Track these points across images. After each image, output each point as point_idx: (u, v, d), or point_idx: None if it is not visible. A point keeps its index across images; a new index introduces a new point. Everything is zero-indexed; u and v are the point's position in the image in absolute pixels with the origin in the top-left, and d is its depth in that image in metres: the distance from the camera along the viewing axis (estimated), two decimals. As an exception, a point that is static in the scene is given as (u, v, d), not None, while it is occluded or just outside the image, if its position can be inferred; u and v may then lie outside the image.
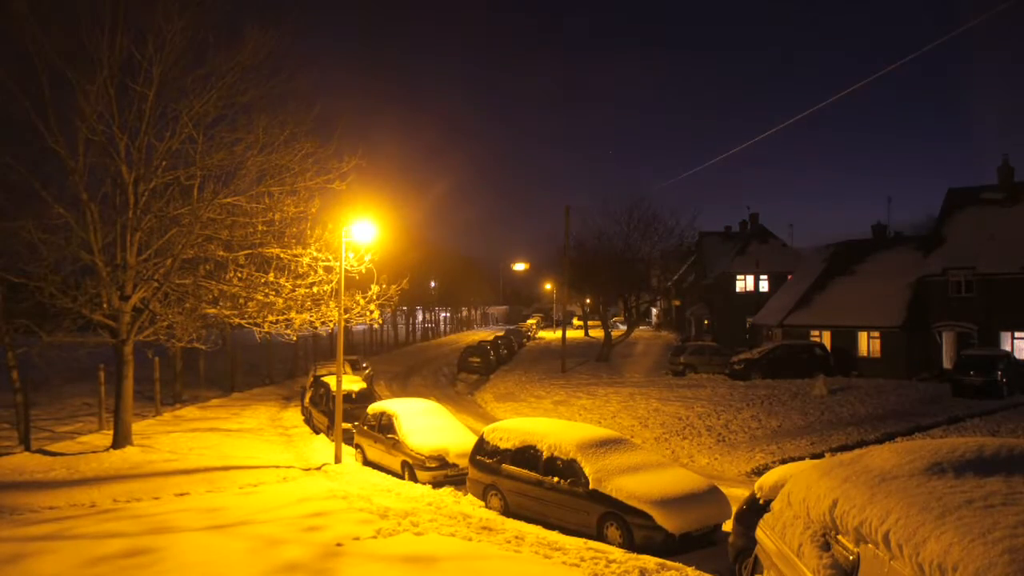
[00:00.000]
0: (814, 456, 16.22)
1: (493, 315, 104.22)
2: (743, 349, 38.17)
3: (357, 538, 9.77)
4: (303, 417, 22.52)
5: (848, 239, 41.76)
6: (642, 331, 64.59)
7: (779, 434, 19.81)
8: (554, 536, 10.55)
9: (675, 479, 11.45)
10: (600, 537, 10.86)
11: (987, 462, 4.93)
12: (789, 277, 45.66)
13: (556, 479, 11.76)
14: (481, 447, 13.43)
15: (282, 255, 16.22)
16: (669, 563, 9.24)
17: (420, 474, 14.62)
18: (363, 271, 16.53)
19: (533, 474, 12.15)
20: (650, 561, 9.23)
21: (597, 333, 55.38)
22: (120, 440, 16.31)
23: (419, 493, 13.30)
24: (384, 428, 15.95)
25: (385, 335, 52.87)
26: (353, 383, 21.16)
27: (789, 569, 5.77)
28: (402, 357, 46.84)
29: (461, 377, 36.25)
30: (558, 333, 44.29)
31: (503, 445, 12.92)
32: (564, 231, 42.07)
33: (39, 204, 14.82)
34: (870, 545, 4.66)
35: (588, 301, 53.44)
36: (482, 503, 12.98)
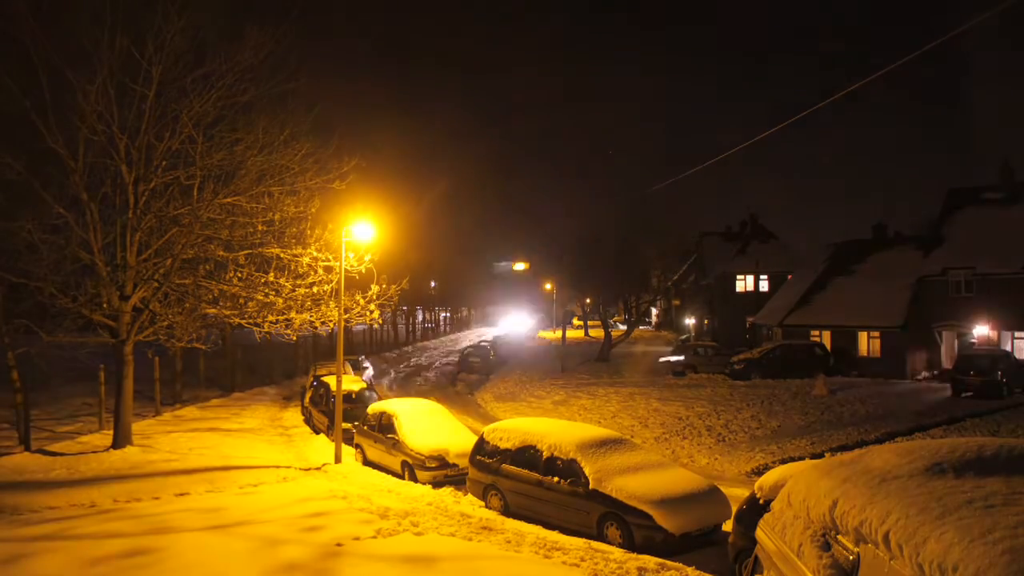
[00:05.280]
0: (814, 456, 16.22)
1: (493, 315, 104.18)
2: (743, 349, 38.18)
3: (357, 538, 9.77)
4: (303, 417, 22.53)
5: (848, 239, 41.77)
6: (642, 331, 64.63)
7: (779, 434, 19.81)
8: (554, 536, 10.54)
9: (675, 479, 11.44)
10: (600, 537, 10.86)
11: (987, 462, 4.93)
12: (789, 277, 45.67)
13: (556, 479, 11.75)
14: (481, 447, 13.43)
15: (282, 255, 16.22)
16: (669, 563, 9.24)
17: (420, 474, 14.61)
18: (363, 271, 16.53)
19: (533, 474, 12.15)
20: (650, 561, 9.23)
21: (597, 333, 55.38)
22: (120, 440, 16.30)
23: (419, 493, 13.30)
24: (384, 428, 15.95)
25: (385, 335, 52.88)
26: (353, 383, 21.17)
27: (789, 569, 5.77)
28: (402, 357, 46.84)
29: (461, 377, 36.26)
30: (558, 333, 44.29)
31: (503, 445, 12.92)
32: (565, 231, 42.11)
33: (39, 204, 14.81)
34: (870, 545, 4.66)
35: (588, 301, 53.44)
36: (482, 503, 12.98)
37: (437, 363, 43.43)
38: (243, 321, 16.50)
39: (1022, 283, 29.44)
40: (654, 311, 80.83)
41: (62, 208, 14.82)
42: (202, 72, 15.35)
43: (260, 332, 16.70)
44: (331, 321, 16.98)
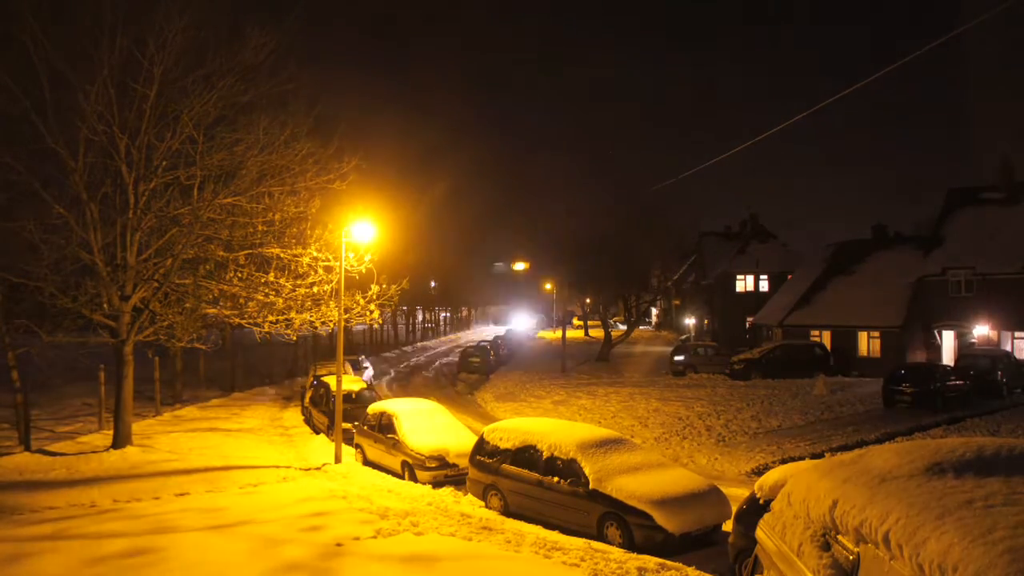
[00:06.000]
0: (814, 456, 16.22)
1: (493, 315, 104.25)
2: (743, 349, 38.19)
3: (357, 538, 9.77)
4: (303, 417, 22.52)
5: (848, 239, 41.79)
6: (642, 331, 64.66)
7: (779, 434, 19.81)
8: (554, 536, 10.55)
9: (675, 479, 11.45)
10: (600, 537, 10.86)
11: (987, 462, 4.93)
12: (789, 277, 45.68)
13: (556, 479, 11.75)
14: (481, 447, 13.43)
15: (282, 255, 16.22)
16: (669, 563, 9.24)
17: (420, 474, 14.61)
18: (363, 271, 16.53)
19: (533, 474, 12.15)
20: (650, 561, 9.23)
21: (597, 333, 55.39)
22: (120, 440, 16.30)
23: (419, 493, 13.30)
24: (384, 428, 15.95)
25: (385, 335, 52.89)
26: (353, 383, 21.17)
27: (789, 569, 5.78)
28: (402, 357, 46.83)
29: (461, 377, 36.24)
30: (558, 333, 44.30)
31: (503, 445, 12.92)
32: (565, 231, 42.11)
33: (39, 204, 14.82)
34: (870, 545, 4.66)
35: (588, 301, 53.46)
36: (482, 503, 12.98)
37: (437, 363, 43.42)
38: (243, 321, 16.50)
39: (1022, 283, 29.45)
40: (654, 311, 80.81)
41: (62, 208, 14.81)
42: (203, 72, 15.35)
43: (260, 332, 16.70)
44: (331, 321, 16.98)
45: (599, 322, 51.59)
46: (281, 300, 16.14)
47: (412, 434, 15.22)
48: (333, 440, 16.59)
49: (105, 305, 15.68)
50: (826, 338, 35.65)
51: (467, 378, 35.76)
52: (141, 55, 14.61)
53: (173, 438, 18.27)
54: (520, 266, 57.74)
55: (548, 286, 51.36)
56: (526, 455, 12.43)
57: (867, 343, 34.91)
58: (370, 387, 22.51)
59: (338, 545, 9.44)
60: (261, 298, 16.02)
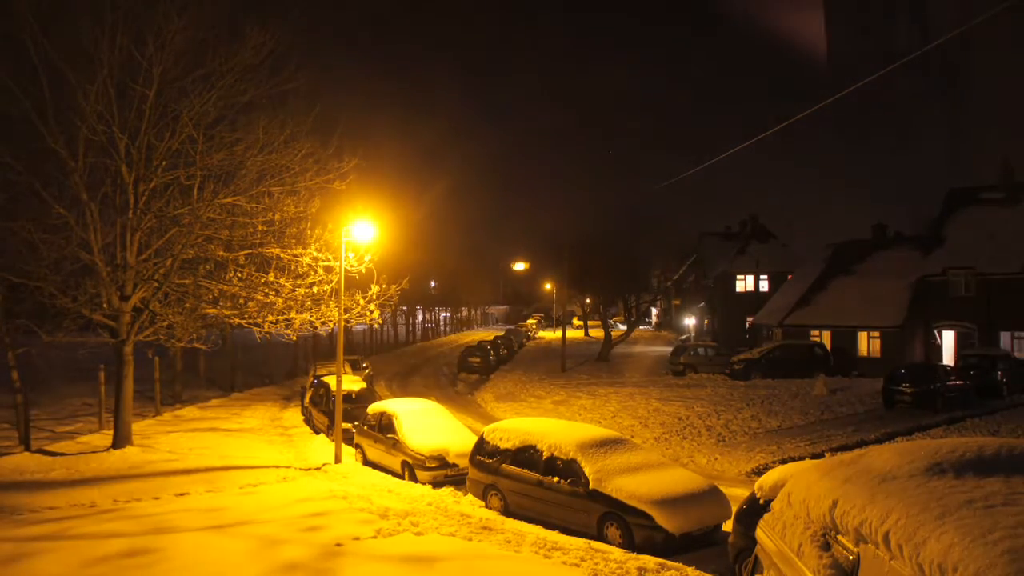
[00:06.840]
0: (814, 456, 16.22)
1: (493, 315, 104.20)
2: (743, 349, 38.18)
3: (357, 538, 9.77)
4: (303, 417, 22.52)
5: (848, 239, 41.76)
6: (642, 331, 64.68)
7: (779, 434, 19.80)
8: (554, 536, 10.54)
9: (675, 479, 11.44)
10: (600, 537, 10.86)
11: (987, 462, 4.93)
12: (789, 277, 45.68)
13: (556, 479, 11.75)
14: (481, 447, 13.43)
15: (282, 255, 16.22)
16: (669, 563, 9.24)
17: (420, 474, 14.61)
18: (363, 271, 16.52)
19: (533, 474, 12.14)
20: (650, 561, 9.23)
21: (597, 333, 55.39)
22: (120, 440, 16.30)
23: (419, 493, 13.30)
24: (384, 428, 15.95)
25: (385, 335, 52.85)
26: (353, 383, 21.15)
27: (789, 569, 5.78)
28: (402, 357, 46.82)
29: (461, 377, 36.22)
30: (558, 333, 44.29)
31: (503, 445, 12.91)
32: (565, 230, 42.11)
33: (39, 204, 14.81)
34: (870, 545, 4.66)
35: (588, 301, 53.48)
36: (482, 503, 12.98)
37: (437, 363, 43.41)
38: (243, 321, 16.50)
39: (1022, 283, 29.45)
40: (654, 311, 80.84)
41: (62, 208, 14.81)
42: (202, 72, 15.35)
43: (260, 332, 16.69)
44: (331, 321, 16.98)
45: (599, 322, 51.60)
46: (281, 300, 16.14)
47: (412, 434, 15.22)
48: (333, 440, 16.59)
49: (105, 305, 15.68)
50: (826, 338, 35.63)
51: (467, 378, 35.74)
52: (140, 55, 14.60)
53: (173, 438, 18.27)
54: (520, 266, 57.80)
55: (548, 286, 51.36)
56: (526, 455, 12.42)
57: (867, 343, 34.90)
58: (370, 387, 22.50)
59: (338, 545, 9.44)
60: (261, 298, 16.02)
